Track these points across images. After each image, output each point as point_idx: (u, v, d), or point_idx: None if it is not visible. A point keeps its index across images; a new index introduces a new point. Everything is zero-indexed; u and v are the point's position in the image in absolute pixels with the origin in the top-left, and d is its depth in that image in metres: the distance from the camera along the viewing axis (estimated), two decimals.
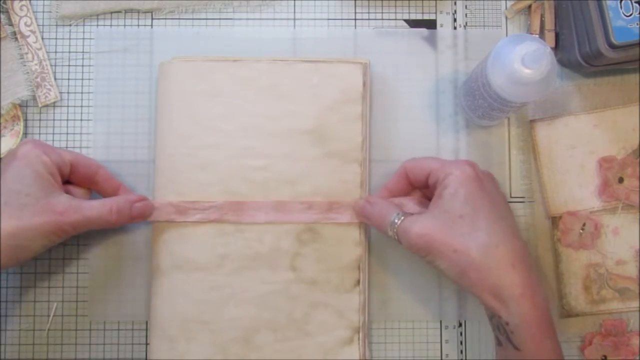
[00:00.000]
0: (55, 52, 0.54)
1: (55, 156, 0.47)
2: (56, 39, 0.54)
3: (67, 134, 0.53)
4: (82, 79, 0.54)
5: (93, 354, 0.52)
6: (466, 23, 0.55)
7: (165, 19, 0.55)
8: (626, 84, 0.55)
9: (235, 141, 0.51)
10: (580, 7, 0.51)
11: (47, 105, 0.53)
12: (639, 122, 0.54)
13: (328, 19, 0.55)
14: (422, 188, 0.51)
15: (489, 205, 0.45)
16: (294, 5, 0.55)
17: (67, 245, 0.52)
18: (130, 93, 0.54)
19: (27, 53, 0.53)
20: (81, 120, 0.54)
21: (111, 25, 0.54)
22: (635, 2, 0.48)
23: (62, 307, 0.52)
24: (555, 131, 0.54)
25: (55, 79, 0.54)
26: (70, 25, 0.54)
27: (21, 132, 0.53)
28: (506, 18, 0.56)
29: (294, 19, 0.55)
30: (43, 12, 0.54)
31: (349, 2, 0.55)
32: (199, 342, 0.50)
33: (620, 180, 0.54)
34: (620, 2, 0.48)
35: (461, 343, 0.53)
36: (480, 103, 0.49)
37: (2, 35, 0.53)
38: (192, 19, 0.55)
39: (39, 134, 0.53)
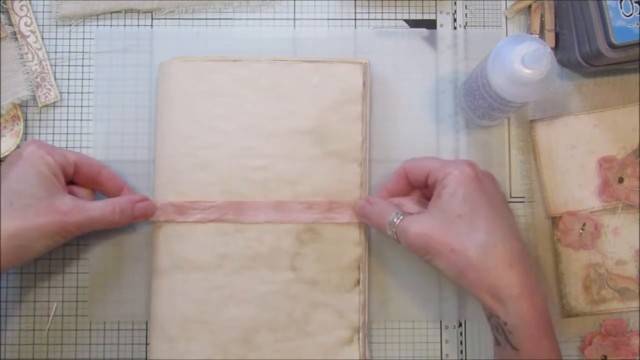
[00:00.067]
0: (55, 52, 0.54)
1: (59, 157, 0.47)
2: (56, 39, 0.54)
3: (67, 134, 0.53)
4: (82, 79, 0.54)
5: (93, 354, 0.52)
6: (466, 23, 0.55)
7: (165, 19, 0.55)
8: (626, 84, 0.55)
9: (235, 141, 0.51)
10: (580, 7, 0.51)
11: (47, 105, 0.53)
12: (639, 122, 0.54)
13: (328, 19, 0.55)
14: (422, 188, 0.51)
15: (488, 205, 0.45)
16: (294, 5, 0.55)
17: (67, 245, 0.52)
18: (130, 93, 0.54)
19: (27, 53, 0.53)
20: (81, 120, 0.54)
21: (111, 25, 0.54)
22: (635, 2, 0.48)
23: (62, 307, 0.52)
24: (555, 131, 0.54)
25: (55, 79, 0.54)
26: (70, 25, 0.54)
27: (21, 132, 0.53)
28: (506, 18, 0.56)
29: (294, 19, 0.55)
30: (43, 12, 0.54)
31: (349, 2, 0.55)
32: (199, 342, 0.50)
33: (620, 180, 0.54)
34: (620, 2, 0.48)
35: (461, 343, 0.53)
36: (480, 103, 0.49)
37: (2, 35, 0.53)
38: (192, 19, 0.55)
39: (39, 134, 0.53)
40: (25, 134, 0.53)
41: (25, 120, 0.53)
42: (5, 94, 0.52)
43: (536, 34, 0.55)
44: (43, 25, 0.54)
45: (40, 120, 0.53)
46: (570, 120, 0.54)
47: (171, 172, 0.51)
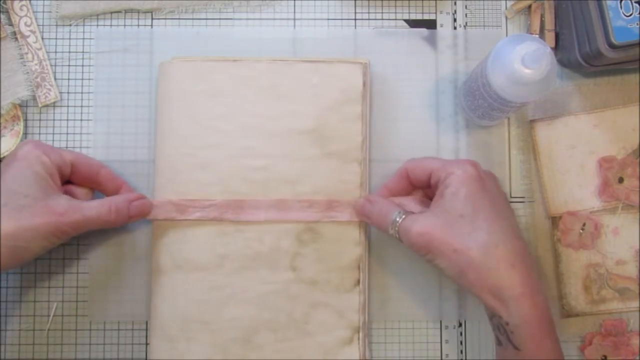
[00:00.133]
0: (55, 52, 0.54)
1: (56, 156, 0.47)
2: (56, 39, 0.54)
3: (67, 134, 0.53)
4: (82, 79, 0.54)
5: (93, 354, 0.52)
6: (466, 23, 0.55)
7: (165, 19, 0.55)
8: (626, 84, 0.55)
9: (235, 141, 0.51)
10: (580, 7, 0.51)
11: (47, 105, 0.53)
12: (639, 122, 0.54)
13: (328, 19, 0.55)
14: (423, 188, 0.51)
15: (490, 205, 0.45)
16: (294, 5, 0.55)
17: (67, 245, 0.52)
18: (130, 93, 0.54)
19: (27, 53, 0.53)
20: (81, 120, 0.54)
21: (111, 25, 0.54)
22: (635, 2, 0.48)
23: (62, 307, 0.52)
24: (555, 131, 0.54)
25: (55, 79, 0.54)
26: (70, 25, 0.54)
27: (21, 132, 0.53)
28: (506, 18, 0.56)
29: (294, 19, 0.55)
30: (43, 12, 0.54)
31: (349, 2, 0.55)
32: (199, 342, 0.50)
33: (620, 180, 0.54)
34: (620, 2, 0.48)
35: (461, 343, 0.53)
36: (480, 103, 0.49)
37: (2, 35, 0.53)
38: (192, 19, 0.55)
39: (39, 134, 0.53)
40: (25, 134, 0.53)
41: (25, 120, 0.53)
42: (5, 94, 0.52)
43: (536, 34, 0.55)
44: (43, 25, 0.54)
45: (40, 120, 0.53)
46: (570, 120, 0.54)
47: (171, 172, 0.51)
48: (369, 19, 0.55)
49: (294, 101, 0.51)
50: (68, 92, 0.54)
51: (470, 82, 0.50)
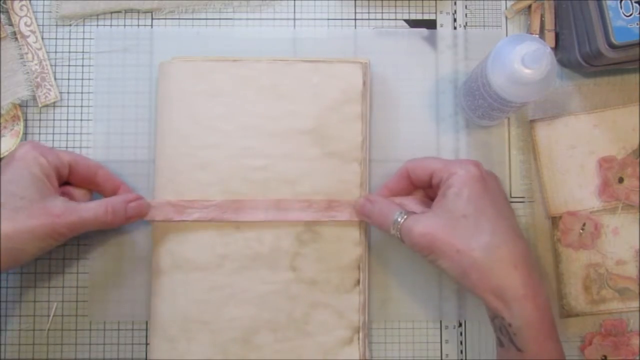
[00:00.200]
0: (55, 52, 0.54)
1: (53, 158, 0.47)
2: (56, 39, 0.54)
3: (67, 134, 0.53)
4: (82, 79, 0.54)
5: (93, 354, 0.52)
6: (466, 23, 0.55)
7: (165, 19, 0.55)
8: (626, 84, 0.55)
9: (235, 141, 0.51)
10: (580, 7, 0.51)
11: (47, 105, 0.53)
12: (639, 122, 0.54)
13: (328, 19, 0.55)
14: (424, 188, 0.51)
15: (492, 206, 0.45)
16: (294, 5, 0.55)
17: (67, 245, 0.52)
18: (130, 93, 0.54)
19: (27, 53, 0.53)
20: (81, 120, 0.54)
21: (111, 25, 0.54)
22: (635, 2, 0.48)
23: (62, 307, 0.52)
24: (555, 131, 0.54)
25: (55, 79, 0.54)
26: (70, 25, 0.54)
27: (21, 132, 0.53)
28: (506, 18, 0.56)
29: (294, 19, 0.55)
30: (43, 12, 0.54)
31: (349, 2, 0.55)
32: (199, 342, 0.50)
33: (620, 180, 0.54)
34: (620, 2, 0.48)
35: (461, 343, 0.53)
36: (480, 103, 0.49)
37: (2, 35, 0.53)
38: (192, 19, 0.55)
39: (39, 134, 0.53)
40: (25, 134, 0.53)
41: (25, 120, 0.53)
42: (5, 94, 0.52)
43: (536, 34, 0.55)
44: (43, 25, 0.54)
45: (40, 120, 0.53)
46: (570, 120, 0.54)
47: (171, 172, 0.51)
48: (369, 19, 0.55)
49: (294, 101, 0.51)
50: (68, 92, 0.54)
51: (470, 82, 0.50)
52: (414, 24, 0.55)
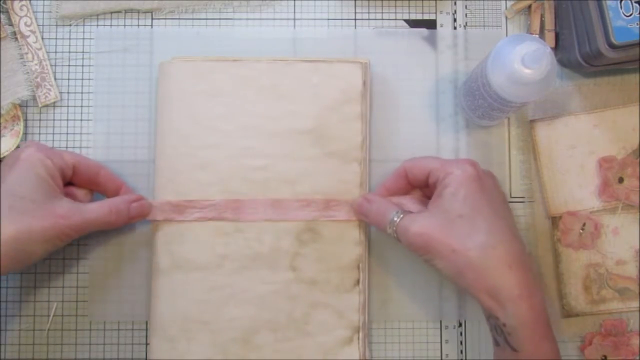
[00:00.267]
0: (55, 52, 0.54)
1: (58, 159, 0.47)
2: (56, 39, 0.54)
3: (67, 134, 0.53)
4: (82, 79, 0.54)
5: (93, 354, 0.52)
6: (466, 23, 0.55)
7: (165, 19, 0.55)
8: (626, 84, 0.55)
9: (235, 141, 0.51)
10: (580, 7, 0.51)
11: (47, 105, 0.53)
12: (639, 122, 0.54)
13: (328, 19, 0.55)
14: (422, 187, 0.51)
15: (489, 206, 0.45)
16: (294, 5, 0.55)
17: (67, 245, 0.52)
18: (130, 93, 0.54)
19: (27, 53, 0.53)
20: (81, 120, 0.54)
21: (111, 25, 0.54)
22: (635, 2, 0.48)
23: (62, 307, 0.52)
24: (555, 131, 0.54)
25: (55, 79, 0.54)
26: (70, 25, 0.54)
27: (21, 132, 0.53)
28: (506, 18, 0.56)
29: (294, 19, 0.55)
30: (43, 12, 0.54)
31: (349, 2, 0.55)
32: (199, 342, 0.50)
33: (620, 180, 0.54)
34: (620, 2, 0.48)
35: (461, 343, 0.53)
36: (480, 103, 0.49)
37: (2, 35, 0.53)
38: (192, 19, 0.55)
39: (39, 134, 0.53)
40: (25, 134, 0.53)
41: (25, 120, 0.53)
42: (5, 94, 0.52)
43: (536, 34, 0.55)
44: (43, 25, 0.54)
45: (40, 120, 0.53)
46: (570, 120, 0.54)
47: (171, 172, 0.51)
48: (369, 19, 0.55)
49: (294, 101, 0.51)
50: (68, 92, 0.54)
51: (470, 82, 0.50)
52: (414, 24, 0.55)
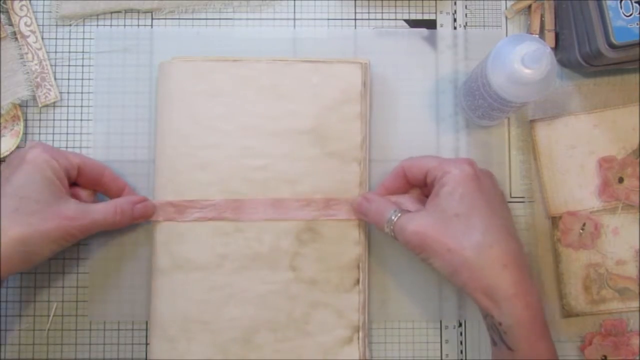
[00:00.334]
0: (55, 52, 0.54)
1: (64, 160, 0.47)
2: (56, 39, 0.54)
3: (67, 134, 0.53)
4: (82, 79, 0.54)
5: (93, 354, 0.52)
6: (466, 23, 0.55)
7: (165, 19, 0.55)
8: (626, 84, 0.55)
9: (235, 141, 0.51)
10: (580, 7, 0.51)
11: (47, 105, 0.53)
12: (639, 122, 0.54)
13: (328, 19, 0.55)
14: (420, 186, 0.51)
15: (486, 205, 0.45)
16: (294, 5, 0.55)
17: None
18: (130, 93, 0.54)
19: (27, 53, 0.53)
20: (81, 120, 0.54)
21: (111, 25, 0.54)
22: (635, 2, 0.48)
23: (62, 307, 0.52)
24: (555, 131, 0.54)
25: (55, 79, 0.54)
26: (70, 25, 0.54)
27: (21, 132, 0.53)
28: (506, 18, 0.56)
29: (294, 19, 0.55)
30: (43, 12, 0.54)
31: (349, 2, 0.55)
32: (199, 342, 0.50)
33: (620, 180, 0.54)
34: (620, 2, 0.48)
35: (461, 343, 0.53)
36: (480, 103, 0.49)
37: (2, 35, 0.53)
38: (192, 19, 0.55)
39: (39, 134, 0.53)
40: (25, 134, 0.53)
41: (25, 120, 0.53)
42: (5, 94, 0.52)
43: (536, 34, 0.55)
44: (43, 25, 0.54)
45: (40, 120, 0.53)
46: (570, 120, 0.54)
47: (171, 172, 0.51)
48: (369, 19, 0.55)
49: (294, 101, 0.51)
50: (68, 92, 0.54)
51: (470, 82, 0.50)
52: (414, 24, 0.55)
